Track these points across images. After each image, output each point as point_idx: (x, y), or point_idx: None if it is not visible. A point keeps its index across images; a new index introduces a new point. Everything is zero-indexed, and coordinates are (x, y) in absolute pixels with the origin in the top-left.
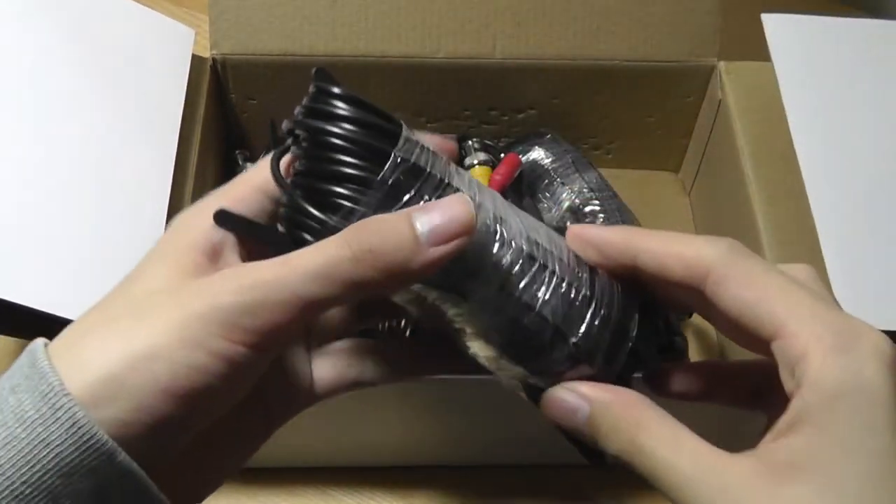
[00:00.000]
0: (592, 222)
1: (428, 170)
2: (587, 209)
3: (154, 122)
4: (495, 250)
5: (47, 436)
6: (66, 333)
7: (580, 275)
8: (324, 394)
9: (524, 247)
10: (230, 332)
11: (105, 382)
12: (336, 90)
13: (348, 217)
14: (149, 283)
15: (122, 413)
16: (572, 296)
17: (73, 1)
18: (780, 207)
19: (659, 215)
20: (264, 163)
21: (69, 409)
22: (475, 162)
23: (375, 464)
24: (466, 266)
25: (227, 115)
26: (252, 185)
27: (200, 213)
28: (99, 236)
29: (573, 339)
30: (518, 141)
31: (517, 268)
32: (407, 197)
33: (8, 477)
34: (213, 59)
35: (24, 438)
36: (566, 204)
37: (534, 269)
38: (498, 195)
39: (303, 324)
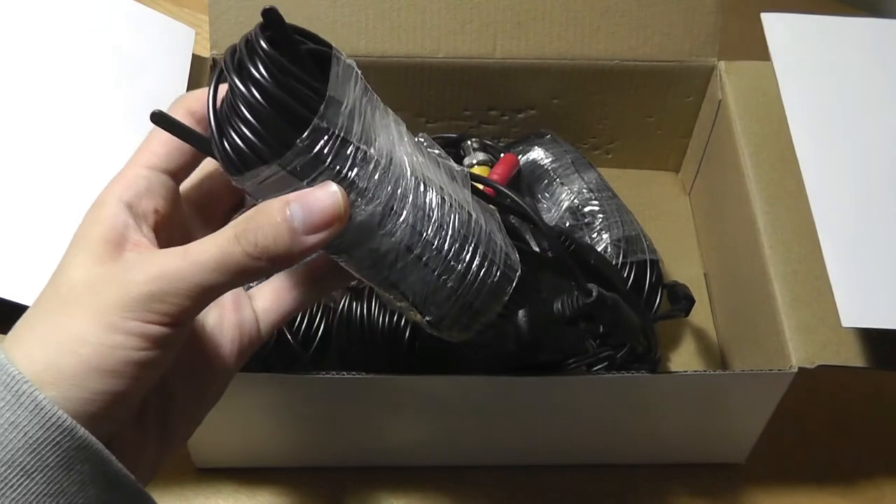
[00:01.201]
0: (592, 223)
1: (344, 138)
2: (587, 209)
3: None
4: (374, 238)
5: (15, 419)
6: (16, 328)
7: (456, 266)
8: (268, 331)
9: (406, 238)
10: (142, 315)
11: (47, 368)
12: (262, 48)
13: (259, 182)
14: (70, 274)
15: (65, 392)
16: (437, 284)
17: (74, 1)
18: (780, 207)
19: (659, 215)
20: (155, 137)
21: (31, 394)
22: (474, 162)
23: (375, 464)
24: (343, 242)
25: None
26: (146, 165)
27: (104, 205)
28: None
29: (427, 318)
30: (518, 141)
31: (392, 255)
32: (321, 169)
33: None
34: (213, 59)
35: None
36: (566, 204)
37: (408, 259)
38: (423, 161)
39: (206, 304)
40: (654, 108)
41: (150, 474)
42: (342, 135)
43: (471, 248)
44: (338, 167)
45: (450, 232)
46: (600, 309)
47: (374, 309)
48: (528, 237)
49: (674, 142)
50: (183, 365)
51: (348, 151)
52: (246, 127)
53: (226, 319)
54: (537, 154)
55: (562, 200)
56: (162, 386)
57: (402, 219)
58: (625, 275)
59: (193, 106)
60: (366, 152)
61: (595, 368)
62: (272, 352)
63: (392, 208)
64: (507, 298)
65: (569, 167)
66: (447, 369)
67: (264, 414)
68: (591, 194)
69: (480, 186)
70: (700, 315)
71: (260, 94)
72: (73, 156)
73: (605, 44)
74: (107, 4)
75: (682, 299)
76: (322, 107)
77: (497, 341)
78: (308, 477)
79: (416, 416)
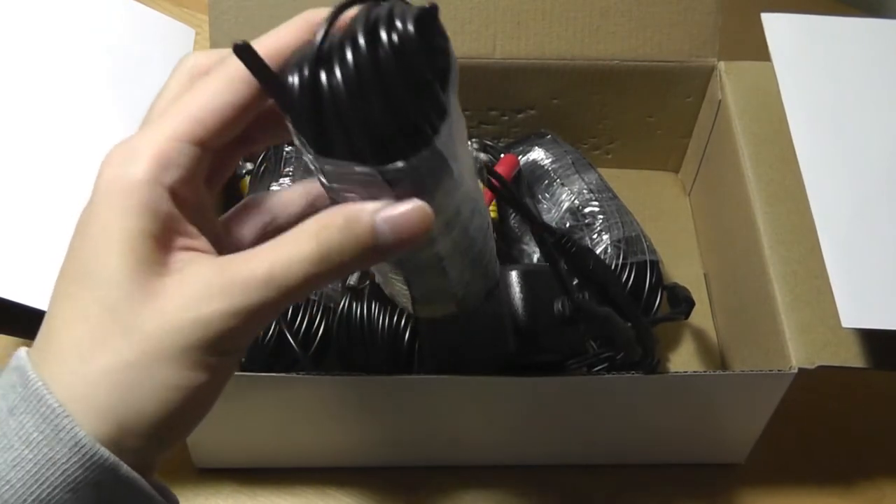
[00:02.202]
0: (592, 223)
1: (451, 167)
2: (587, 210)
3: None
4: (428, 253)
5: (53, 455)
6: (47, 345)
7: (465, 276)
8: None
9: (444, 251)
10: (222, 349)
11: (98, 399)
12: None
13: (346, 166)
14: (119, 285)
15: (145, 444)
16: (442, 287)
17: (74, 1)
18: (780, 207)
19: (659, 215)
20: (196, 99)
21: (71, 429)
22: None
23: (375, 464)
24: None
25: None
26: (185, 138)
27: (141, 190)
28: None
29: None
30: (518, 141)
31: (423, 264)
32: (416, 187)
33: (20, 496)
34: None
35: (31, 459)
36: (566, 205)
37: (436, 267)
38: (470, 169)
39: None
40: (654, 108)
41: None
42: (448, 159)
43: (482, 261)
44: (431, 188)
45: (475, 248)
46: (590, 324)
47: (374, 309)
48: (527, 239)
49: (674, 142)
50: None
51: (444, 174)
52: (363, 125)
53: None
54: (537, 154)
55: (562, 201)
56: None
57: (450, 236)
58: (625, 276)
59: (271, 61)
60: (453, 173)
61: (595, 369)
62: (272, 352)
63: (447, 224)
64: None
65: (569, 168)
66: (447, 369)
67: (264, 414)
68: (592, 195)
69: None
70: (700, 315)
71: (402, 112)
72: (72, 156)
73: (605, 44)
74: (107, 4)
75: (682, 302)
76: (442, 126)
77: (497, 341)
78: (308, 477)
79: (415, 416)
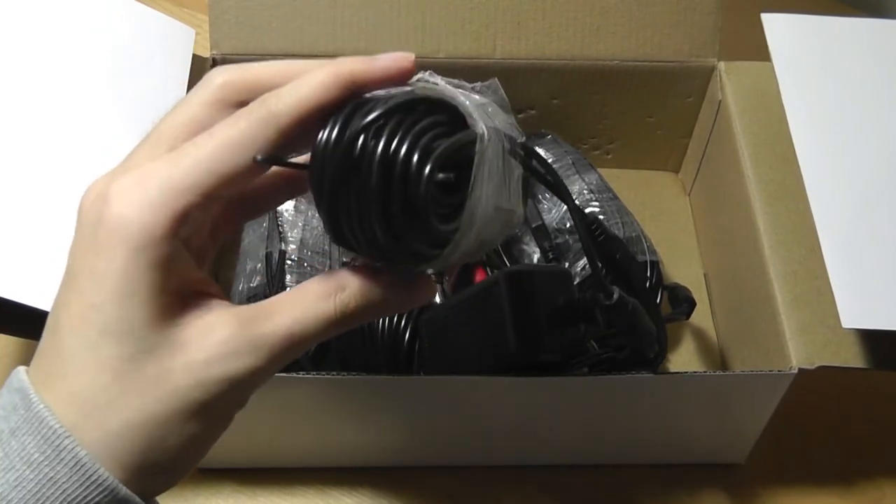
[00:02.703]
0: (592, 224)
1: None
2: (587, 211)
3: (155, 121)
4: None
5: (54, 475)
6: (60, 383)
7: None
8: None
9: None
10: (243, 401)
11: (123, 451)
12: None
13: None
14: (143, 337)
15: (138, 478)
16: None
17: (74, 0)
18: (780, 207)
19: (659, 215)
20: (220, 156)
21: (72, 450)
22: None
23: (375, 464)
24: None
25: None
26: (205, 193)
27: (159, 244)
28: None
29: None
30: None
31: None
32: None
33: None
34: (213, 59)
35: (32, 479)
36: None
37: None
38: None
39: None
40: (654, 108)
41: None
42: (451, 254)
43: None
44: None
45: (487, 244)
46: (619, 313)
47: None
48: (527, 239)
49: (674, 142)
50: None
51: (448, 257)
52: (367, 241)
53: None
54: None
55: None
56: None
57: (464, 251)
58: None
59: (290, 131)
60: (460, 240)
61: (596, 369)
62: None
63: (467, 250)
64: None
65: (569, 168)
66: (447, 369)
67: (264, 414)
68: (592, 195)
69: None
70: (700, 315)
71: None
72: (72, 156)
73: (605, 44)
74: (107, 4)
75: (683, 302)
76: (445, 251)
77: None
78: (308, 477)
79: (416, 416)
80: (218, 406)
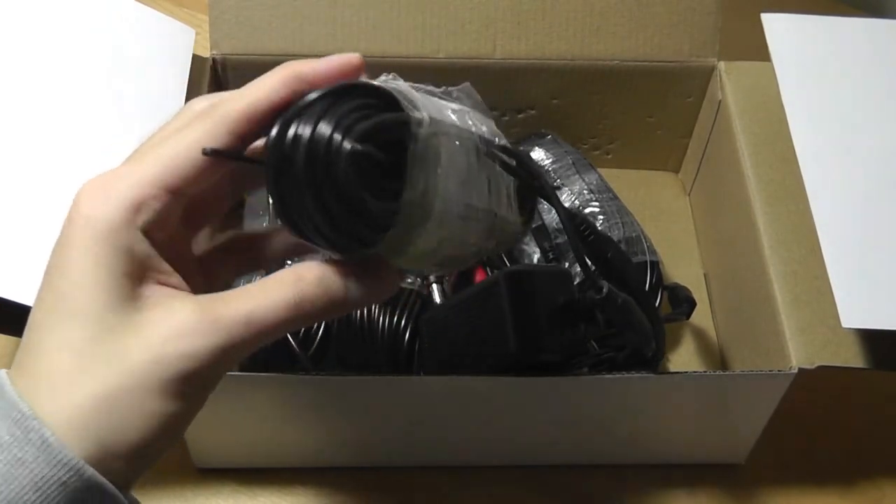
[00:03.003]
0: (581, 224)
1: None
2: (587, 211)
3: (155, 121)
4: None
5: (22, 455)
6: (31, 370)
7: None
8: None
9: (438, 257)
10: (203, 382)
11: (84, 422)
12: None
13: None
14: (102, 318)
15: (127, 468)
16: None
17: (74, 1)
18: (780, 207)
19: (659, 215)
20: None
21: (39, 430)
22: None
23: (375, 464)
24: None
25: None
26: (164, 186)
27: (119, 232)
28: None
29: None
30: (518, 142)
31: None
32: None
33: None
34: (213, 59)
35: (1, 461)
36: (566, 205)
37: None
38: (474, 181)
39: None
40: (654, 108)
41: None
42: (402, 236)
43: (488, 247)
44: (397, 254)
45: (475, 245)
46: (610, 308)
47: (374, 309)
48: (527, 239)
49: (674, 142)
50: None
51: (405, 242)
52: (313, 227)
53: None
54: (538, 155)
55: (562, 202)
56: None
57: (438, 255)
58: None
59: (239, 128)
60: (420, 231)
61: (596, 369)
62: (271, 352)
63: (434, 251)
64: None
65: (569, 168)
66: (447, 369)
67: (264, 414)
68: (592, 195)
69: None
70: (700, 315)
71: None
72: (72, 156)
73: (605, 44)
74: (107, 4)
75: (683, 302)
76: (387, 233)
77: (498, 341)
78: (308, 477)
79: (415, 416)
80: (177, 385)
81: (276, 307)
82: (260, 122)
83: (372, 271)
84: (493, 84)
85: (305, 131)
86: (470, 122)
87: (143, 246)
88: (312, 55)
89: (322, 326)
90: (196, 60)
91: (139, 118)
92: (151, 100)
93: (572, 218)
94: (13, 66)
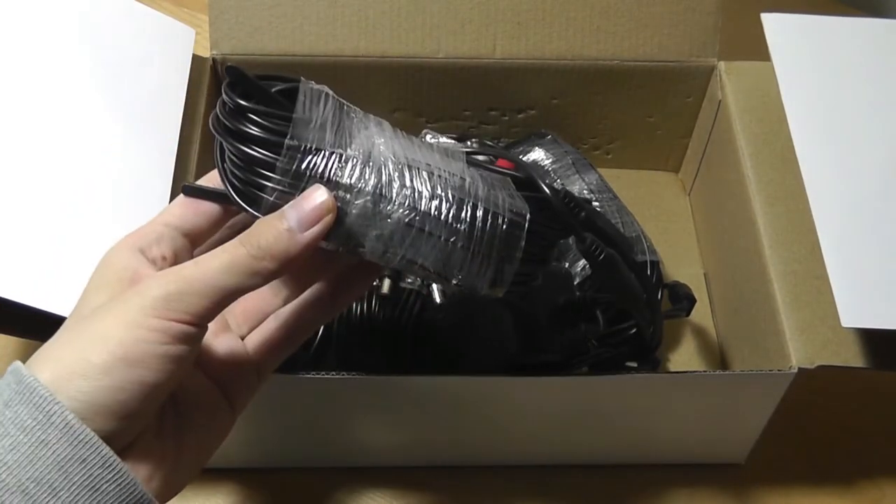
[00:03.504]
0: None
1: (316, 148)
2: None
3: (155, 121)
4: (376, 224)
5: (46, 437)
6: (41, 350)
7: (459, 226)
8: (266, 368)
9: (403, 216)
10: (163, 313)
11: (77, 361)
12: (238, 105)
13: (268, 206)
14: (90, 305)
15: (96, 382)
16: (449, 249)
17: (75, 1)
18: (780, 207)
19: (659, 215)
20: (176, 201)
21: (62, 413)
22: None
23: (375, 464)
24: (350, 235)
25: None
26: (163, 223)
27: (117, 253)
28: (100, 235)
29: (454, 281)
30: (518, 142)
31: (398, 235)
32: (305, 179)
33: (16, 476)
34: (214, 59)
35: (26, 443)
36: None
37: (413, 233)
38: (403, 147)
39: (224, 306)
40: (654, 108)
41: (168, 495)
42: (314, 146)
43: (469, 207)
44: (319, 173)
45: (444, 199)
46: (593, 261)
47: (375, 309)
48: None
49: (674, 142)
50: (199, 392)
51: (323, 158)
52: (243, 173)
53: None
54: (538, 155)
55: None
56: (179, 406)
57: (393, 201)
58: None
59: (167, 219)
60: (341, 154)
61: (596, 369)
62: None
63: (381, 194)
64: (523, 243)
65: (569, 168)
66: (447, 369)
67: (264, 414)
68: (592, 195)
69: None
70: (700, 315)
71: (247, 144)
72: (72, 156)
73: (605, 44)
74: (107, 4)
75: (682, 299)
76: (290, 129)
77: (498, 341)
78: (308, 477)
79: (415, 416)
80: (132, 312)
81: (223, 248)
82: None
83: (300, 203)
84: (493, 84)
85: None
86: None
87: (137, 258)
88: (312, 55)
89: (322, 327)
90: (196, 60)
91: (139, 118)
92: (151, 100)
93: (560, 195)
94: (13, 66)
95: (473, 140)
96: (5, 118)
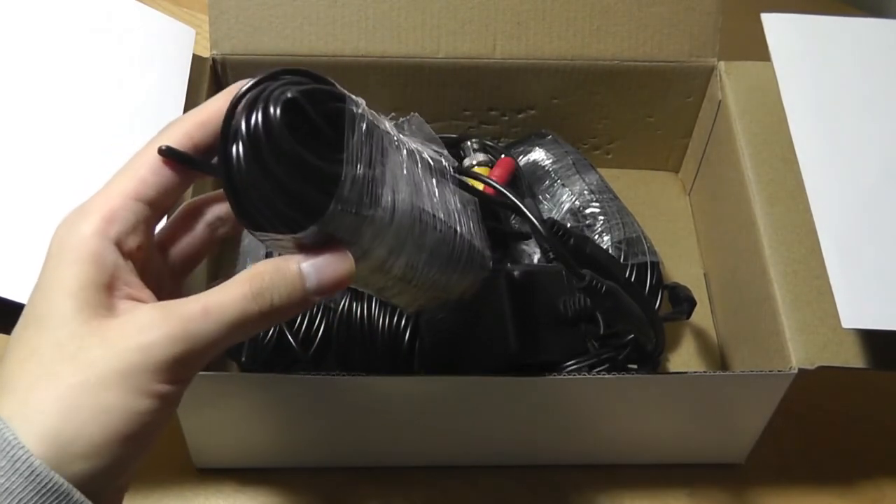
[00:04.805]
0: (593, 225)
1: (355, 213)
2: (587, 211)
3: (155, 121)
4: (376, 276)
5: (9, 485)
6: (2, 385)
7: (440, 281)
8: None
9: (401, 272)
10: (168, 377)
11: (75, 439)
12: (282, 136)
13: (271, 237)
14: (68, 324)
15: (97, 464)
16: (423, 298)
17: (75, 1)
18: (780, 207)
19: (659, 215)
20: (146, 164)
21: (26, 459)
22: (474, 163)
23: (375, 464)
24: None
25: None
26: (133, 195)
27: (87, 240)
28: None
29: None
30: (519, 142)
31: (389, 285)
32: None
33: None
34: (214, 59)
35: None
36: (566, 206)
37: (401, 286)
38: (421, 188)
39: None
40: (654, 108)
41: None
42: (353, 210)
43: (452, 268)
44: (349, 238)
45: (438, 259)
46: (595, 296)
47: (375, 309)
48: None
49: (674, 142)
50: None
51: (356, 223)
52: (266, 203)
53: None
54: (538, 155)
55: (563, 202)
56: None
57: (399, 259)
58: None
59: (194, 133)
60: (373, 216)
61: (596, 370)
62: (272, 352)
63: (391, 251)
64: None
65: (570, 168)
66: (447, 369)
67: (264, 414)
68: (593, 196)
69: (480, 186)
70: (700, 315)
71: (281, 174)
72: (72, 156)
73: (605, 44)
74: (107, 4)
75: (683, 301)
76: (336, 192)
77: (498, 341)
78: (308, 477)
79: (416, 416)
80: (138, 378)
81: (233, 299)
82: (214, 133)
83: (327, 254)
84: (493, 84)
85: (246, 109)
86: (422, 148)
87: (114, 257)
88: (312, 55)
89: (322, 327)
90: (196, 60)
91: (139, 118)
92: (151, 100)
93: (548, 225)
94: (13, 66)
95: (473, 140)
96: (5, 118)
